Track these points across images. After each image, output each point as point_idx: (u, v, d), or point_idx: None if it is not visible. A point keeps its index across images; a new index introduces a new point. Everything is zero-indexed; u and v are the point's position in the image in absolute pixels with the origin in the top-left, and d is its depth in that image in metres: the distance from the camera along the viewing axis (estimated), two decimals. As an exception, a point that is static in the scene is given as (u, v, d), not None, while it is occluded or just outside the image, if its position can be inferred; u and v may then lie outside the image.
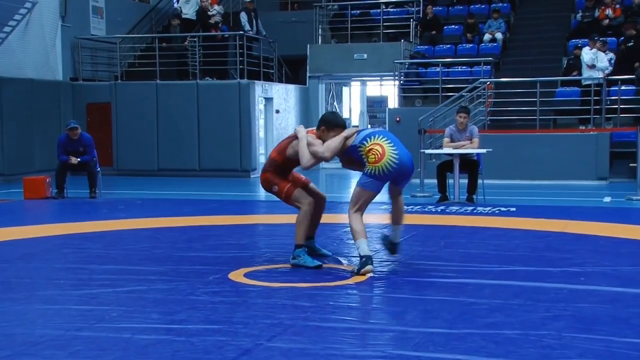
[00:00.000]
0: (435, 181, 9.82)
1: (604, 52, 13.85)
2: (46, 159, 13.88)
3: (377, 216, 7.55)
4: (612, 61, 13.98)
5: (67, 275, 5.14)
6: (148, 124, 15.28)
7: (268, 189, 5.45)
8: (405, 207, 9.06)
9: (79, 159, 10.55)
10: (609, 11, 15.50)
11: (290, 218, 4.82)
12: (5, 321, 3.93)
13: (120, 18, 17.41)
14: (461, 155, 9.47)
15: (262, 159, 15.69)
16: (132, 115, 15.35)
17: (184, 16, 16.30)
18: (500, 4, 17.14)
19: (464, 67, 15.48)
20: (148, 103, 15.27)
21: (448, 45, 16.34)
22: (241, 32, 15.42)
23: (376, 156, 5.00)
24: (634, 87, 13.66)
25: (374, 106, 20.10)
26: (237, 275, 5.05)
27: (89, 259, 5.74)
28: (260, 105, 15.78)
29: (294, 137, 5.39)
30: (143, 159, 15.30)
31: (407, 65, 16.05)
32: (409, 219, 8.09)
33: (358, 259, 5.08)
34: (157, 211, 9.06)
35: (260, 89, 15.42)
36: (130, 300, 4.34)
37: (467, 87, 14.14)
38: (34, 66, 14.64)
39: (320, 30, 17.75)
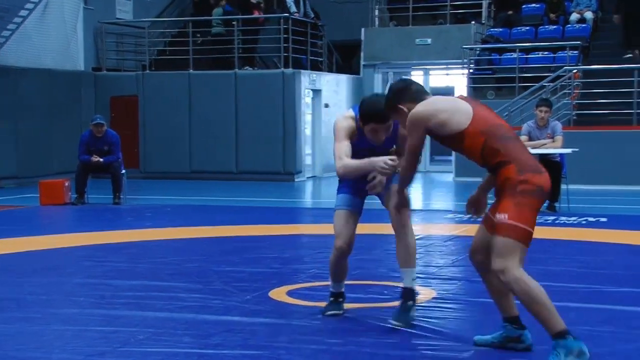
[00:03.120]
0: (510, 186, 9.73)
1: None
2: (65, 160, 14.19)
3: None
4: None
5: (88, 292, 5.26)
6: (179, 120, 15.48)
7: None
8: (475, 217, 9.04)
9: (101, 159, 10.75)
10: None
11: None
12: (21, 344, 4.04)
13: (149, 0, 17.73)
14: (541, 156, 9.37)
15: (308, 160, 15.76)
16: (162, 109, 15.57)
17: None
18: (591, -22, 16.86)
19: (545, 53, 15.27)
20: (180, 96, 15.48)
21: (527, 28, 16.14)
22: (286, 14, 15.53)
23: None
24: None
25: (439, 99, 19.95)
26: (279, 294, 5.09)
27: (112, 274, 5.86)
28: (307, 99, 15.85)
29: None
30: (173, 160, 15.51)
31: (478, 51, 15.92)
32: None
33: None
34: (189, 220, 9.19)
35: (307, 80, 15.50)
36: (158, 322, 4.42)
37: (549, 76, 13.96)
38: (53, 55, 15.01)
39: (376, 11, 17.75)
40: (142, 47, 16.62)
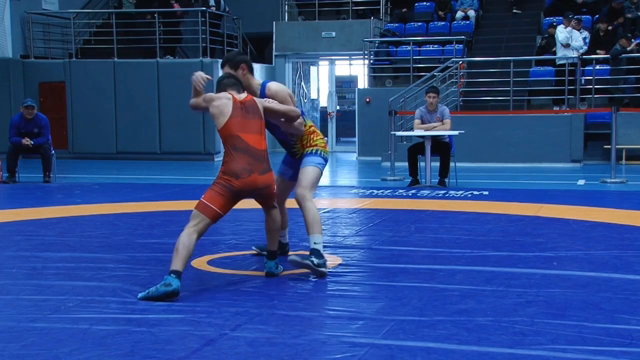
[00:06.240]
0: (406, 164, 9.88)
1: (578, 30, 14.02)
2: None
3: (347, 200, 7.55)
4: (587, 40, 14.17)
5: (20, 264, 5.07)
6: (105, 105, 15.11)
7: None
8: (376, 191, 9.23)
9: (32, 142, 10.40)
10: (583, -12, 15.67)
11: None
12: (-46, 313, 3.86)
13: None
14: (433, 137, 9.53)
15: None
16: (89, 95, 15.16)
17: None
18: (473, -20, 17.20)
19: (435, 46, 15.54)
20: (105, 82, 15.10)
21: (419, 23, 16.38)
22: (204, 8, 15.29)
23: (323, 141, 4.92)
24: (608, 67, 13.87)
25: (343, 86, 20.11)
26: (200, 263, 5.05)
27: (43, 247, 5.67)
28: (224, 85, 15.65)
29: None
30: (100, 142, 15.15)
31: (377, 44, 16.06)
32: (379, 204, 8.18)
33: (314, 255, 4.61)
34: (115, 196, 8.98)
35: (223, 68, 15.27)
36: (87, 290, 4.31)
37: (438, 66, 14.22)
38: (-19, 42, 14.35)
39: (286, 6, 17.66)
40: (68, 37, 16.07)
